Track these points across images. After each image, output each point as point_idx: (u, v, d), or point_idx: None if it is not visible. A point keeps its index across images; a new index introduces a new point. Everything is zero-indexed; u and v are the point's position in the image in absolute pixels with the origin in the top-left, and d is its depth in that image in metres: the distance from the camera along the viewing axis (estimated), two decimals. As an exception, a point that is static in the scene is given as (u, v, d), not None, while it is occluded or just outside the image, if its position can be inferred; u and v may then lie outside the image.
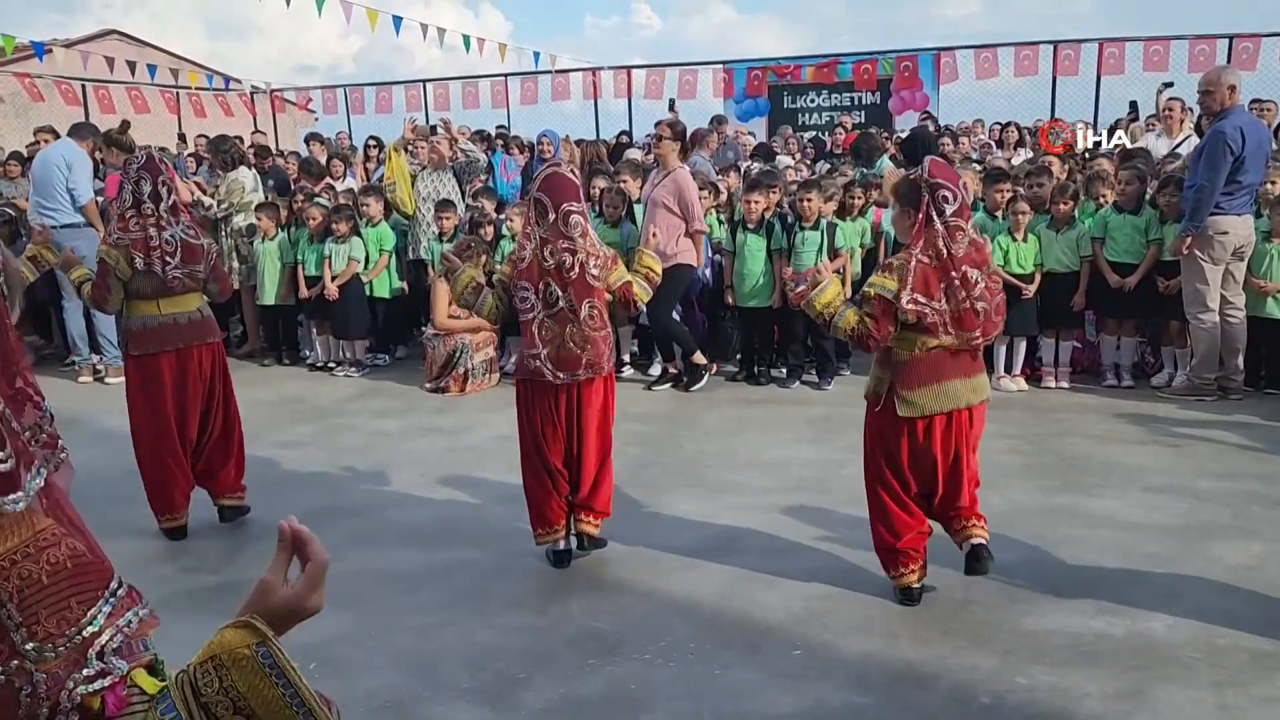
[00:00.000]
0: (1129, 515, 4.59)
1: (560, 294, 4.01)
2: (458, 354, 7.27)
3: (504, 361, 7.83)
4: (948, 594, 3.81)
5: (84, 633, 0.97)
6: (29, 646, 0.94)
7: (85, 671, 0.96)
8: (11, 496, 0.96)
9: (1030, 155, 10.30)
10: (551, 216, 4.00)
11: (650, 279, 4.40)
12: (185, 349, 4.58)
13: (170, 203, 4.50)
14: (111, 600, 1.01)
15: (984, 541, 3.73)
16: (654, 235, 4.66)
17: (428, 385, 7.39)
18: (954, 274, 3.51)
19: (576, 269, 4.00)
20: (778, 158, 11.01)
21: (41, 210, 7.63)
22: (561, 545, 4.24)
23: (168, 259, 4.46)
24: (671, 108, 13.75)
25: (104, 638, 0.99)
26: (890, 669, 3.34)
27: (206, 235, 4.72)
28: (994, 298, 3.62)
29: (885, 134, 11.95)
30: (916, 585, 3.76)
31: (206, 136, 11.42)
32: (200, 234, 4.68)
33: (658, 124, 7.29)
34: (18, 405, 1.02)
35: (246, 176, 8.65)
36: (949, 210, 3.50)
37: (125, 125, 7.64)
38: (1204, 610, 3.62)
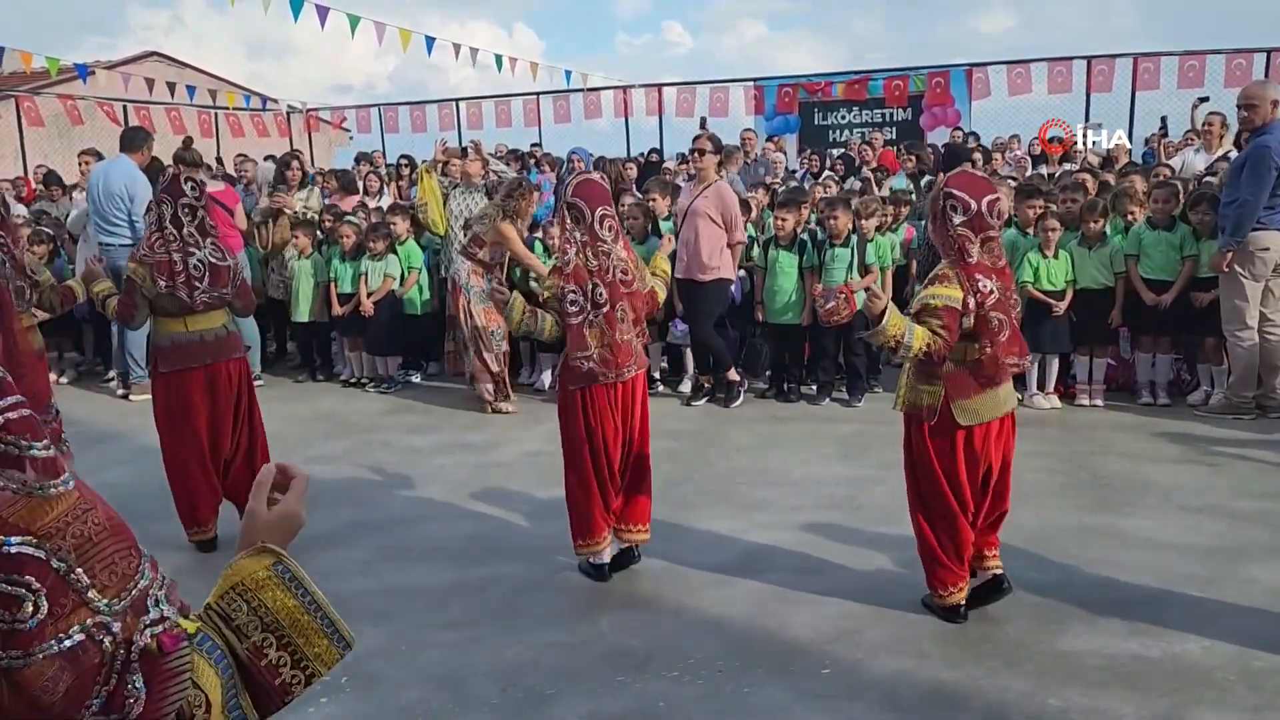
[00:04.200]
0: (1165, 535, 4.53)
1: (605, 294, 4.11)
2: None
3: (533, 378, 7.86)
4: (980, 614, 3.78)
5: (139, 586, 1.14)
6: (103, 603, 1.09)
7: (149, 617, 1.13)
8: (61, 479, 1.09)
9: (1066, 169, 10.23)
10: (588, 219, 4.11)
11: (665, 281, 4.56)
12: (214, 365, 4.64)
13: (196, 224, 4.54)
14: (146, 558, 1.17)
15: (1003, 572, 3.79)
16: (669, 241, 4.89)
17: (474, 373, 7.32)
18: (975, 280, 3.53)
19: (612, 272, 4.12)
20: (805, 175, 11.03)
21: (100, 230, 7.73)
22: (605, 558, 4.24)
23: (195, 284, 4.52)
24: (703, 125, 13.79)
25: (154, 589, 1.16)
26: (921, 689, 3.31)
27: (234, 254, 4.81)
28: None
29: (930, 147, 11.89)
30: (964, 603, 3.75)
31: (245, 155, 11.60)
32: (227, 254, 4.69)
33: (698, 138, 7.29)
34: (33, 401, 1.13)
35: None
36: (956, 220, 3.54)
37: (189, 141, 7.76)
38: (1241, 632, 3.56)
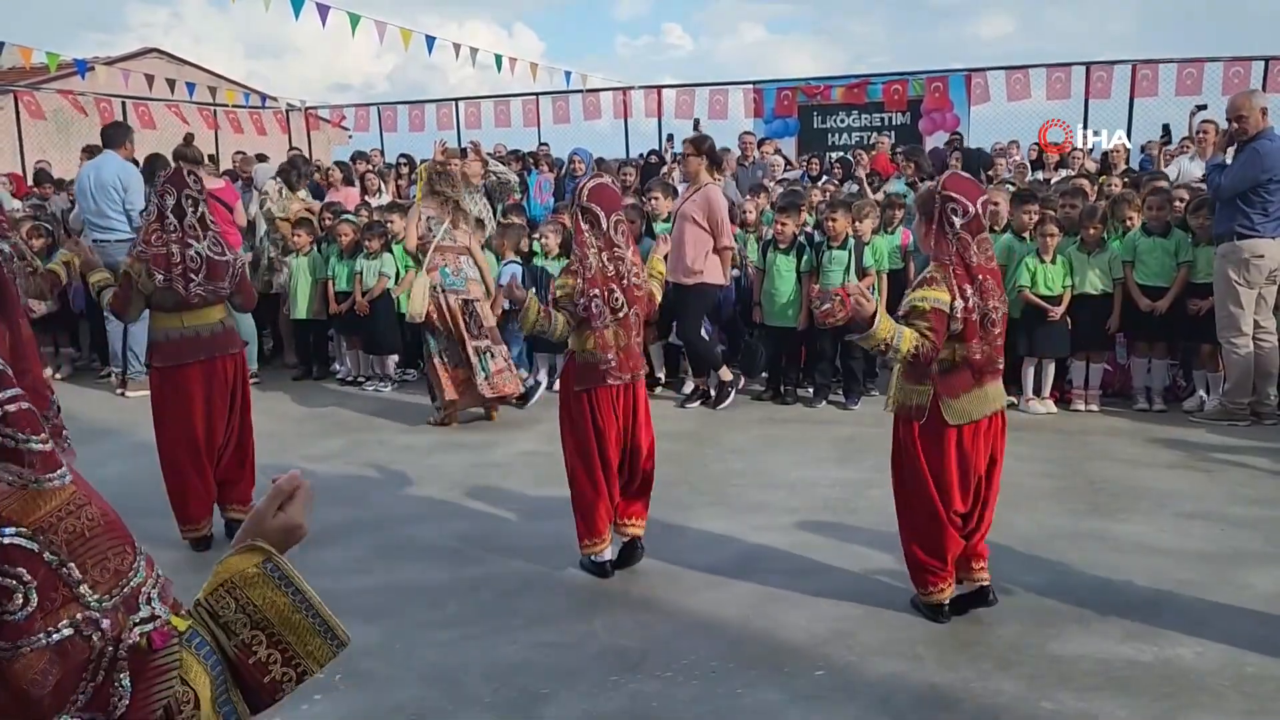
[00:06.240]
0: (1159, 540, 4.54)
1: (623, 299, 4.17)
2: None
3: (527, 379, 7.84)
4: (974, 617, 3.79)
5: (132, 583, 1.14)
6: (93, 598, 1.09)
7: (139, 614, 1.13)
8: (58, 473, 1.09)
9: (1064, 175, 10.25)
10: (604, 225, 4.16)
11: (661, 283, 4.64)
12: (210, 360, 4.62)
13: (197, 217, 4.52)
14: (141, 556, 1.18)
15: (989, 583, 3.83)
16: (663, 242, 4.87)
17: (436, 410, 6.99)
18: (978, 280, 3.60)
19: (627, 276, 4.19)
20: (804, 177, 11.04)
21: (95, 227, 7.72)
22: (606, 555, 4.28)
23: (191, 275, 4.49)
24: (696, 127, 13.78)
25: (147, 586, 1.16)
26: (915, 692, 3.32)
27: (234, 250, 4.77)
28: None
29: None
30: (948, 602, 3.77)
31: (243, 153, 11.59)
32: (228, 248, 4.68)
33: (684, 141, 7.39)
34: (36, 396, 1.16)
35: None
36: (958, 223, 3.59)
37: (189, 137, 7.73)
38: (1235, 637, 3.58)
